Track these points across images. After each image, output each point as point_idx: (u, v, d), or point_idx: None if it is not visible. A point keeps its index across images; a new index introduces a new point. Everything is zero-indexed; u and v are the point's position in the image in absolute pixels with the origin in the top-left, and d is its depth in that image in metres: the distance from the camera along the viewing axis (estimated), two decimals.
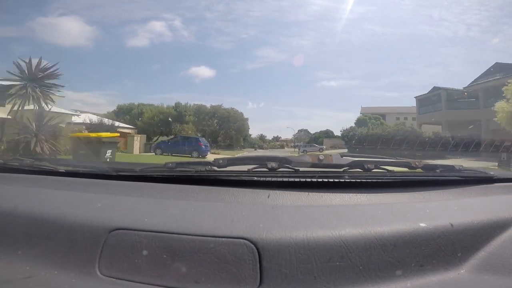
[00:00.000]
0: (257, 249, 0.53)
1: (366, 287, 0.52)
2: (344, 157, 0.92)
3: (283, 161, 0.86)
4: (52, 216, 0.63)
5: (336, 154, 0.92)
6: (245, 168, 0.86)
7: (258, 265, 0.52)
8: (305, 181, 0.81)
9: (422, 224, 0.59)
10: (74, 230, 0.59)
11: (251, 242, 0.54)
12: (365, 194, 0.77)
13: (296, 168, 0.85)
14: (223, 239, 0.55)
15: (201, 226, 0.57)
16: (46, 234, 0.61)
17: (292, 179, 0.81)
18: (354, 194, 0.77)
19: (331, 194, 0.76)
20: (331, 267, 0.53)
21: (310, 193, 0.76)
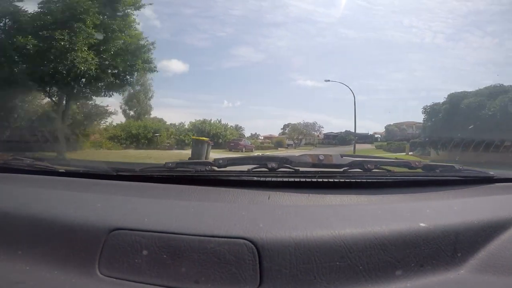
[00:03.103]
0: (257, 249, 0.53)
1: (366, 287, 0.52)
2: (344, 157, 0.92)
3: (283, 161, 0.86)
4: (52, 216, 0.63)
5: (336, 154, 0.92)
6: (245, 168, 0.86)
7: (258, 265, 0.52)
8: (305, 181, 0.81)
9: (422, 224, 0.59)
10: (74, 230, 0.59)
11: (251, 242, 0.54)
12: (365, 194, 0.77)
13: (296, 168, 0.85)
14: (223, 239, 0.55)
15: (201, 226, 0.57)
16: (46, 234, 0.61)
17: (292, 179, 0.81)
18: (354, 194, 0.77)
19: (331, 194, 0.76)
20: (331, 267, 0.52)
21: (310, 193, 0.76)
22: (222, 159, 0.88)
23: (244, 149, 17.41)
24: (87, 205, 0.68)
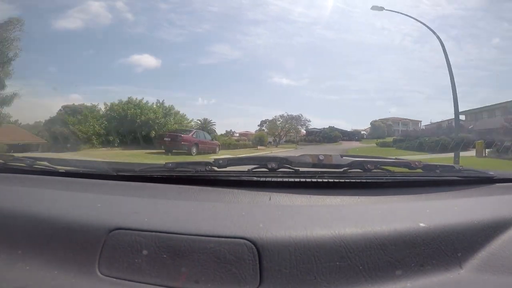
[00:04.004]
0: (257, 249, 0.53)
1: (366, 287, 0.52)
2: (344, 157, 0.92)
3: (283, 161, 0.86)
4: (52, 216, 0.63)
5: (336, 155, 0.92)
6: (245, 168, 0.86)
7: (258, 265, 0.52)
8: (305, 181, 0.81)
9: (422, 224, 0.59)
10: (74, 230, 0.59)
11: (251, 242, 0.54)
12: (365, 194, 0.77)
13: (296, 168, 0.85)
14: (223, 239, 0.55)
15: (201, 226, 0.57)
16: (46, 234, 0.61)
17: (292, 179, 0.82)
18: (354, 194, 0.77)
19: (331, 194, 0.76)
20: (331, 267, 0.52)
21: (310, 193, 0.76)
22: (222, 159, 0.88)
23: (195, 150, 10.59)
24: (87, 205, 0.68)
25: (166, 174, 0.88)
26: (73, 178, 0.91)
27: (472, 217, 0.64)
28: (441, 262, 0.56)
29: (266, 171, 0.85)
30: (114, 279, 0.54)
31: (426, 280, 0.54)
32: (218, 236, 0.55)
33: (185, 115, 16.15)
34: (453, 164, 0.98)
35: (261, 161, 0.89)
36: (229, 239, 0.55)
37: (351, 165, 0.87)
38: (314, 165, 0.88)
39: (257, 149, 18.09)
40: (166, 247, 0.55)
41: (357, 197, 0.76)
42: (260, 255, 0.53)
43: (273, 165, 0.84)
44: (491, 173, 0.96)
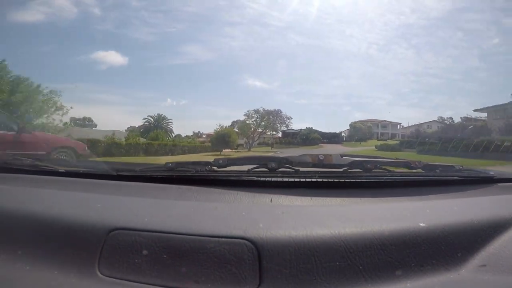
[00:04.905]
0: (257, 249, 0.53)
1: (366, 287, 0.52)
2: (344, 157, 0.92)
3: (283, 161, 0.86)
4: (52, 216, 0.63)
5: (336, 154, 0.93)
6: (245, 168, 0.87)
7: (258, 265, 0.52)
8: (305, 181, 0.81)
9: (422, 224, 0.59)
10: (74, 230, 0.59)
11: (251, 242, 0.54)
12: (365, 194, 0.77)
13: (296, 168, 0.85)
14: (223, 239, 0.55)
15: (201, 226, 0.57)
16: (46, 234, 0.61)
17: (292, 179, 0.82)
18: (354, 194, 0.77)
19: (331, 194, 0.76)
20: (331, 267, 0.52)
21: (310, 193, 0.76)
22: (222, 159, 0.88)
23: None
24: (87, 205, 0.68)
25: (166, 174, 0.88)
26: (73, 178, 0.91)
27: (472, 217, 0.64)
28: (441, 262, 0.56)
29: (266, 171, 0.85)
30: (114, 279, 0.54)
31: (426, 280, 0.54)
32: (218, 236, 0.55)
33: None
34: (453, 164, 0.98)
35: (261, 161, 0.89)
36: (229, 239, 0.55)
37: (351, 165, 0.87)
38: (314, 165, 0.88)
39: (219, 154, 13.40)
40: (166, 247, 0.55)
41: (357, 197, 0.76)
42: (260, 255, 0.53)
43: (273, 165, 0.84)
44: (491, 173, 0.96)
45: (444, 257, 0.57)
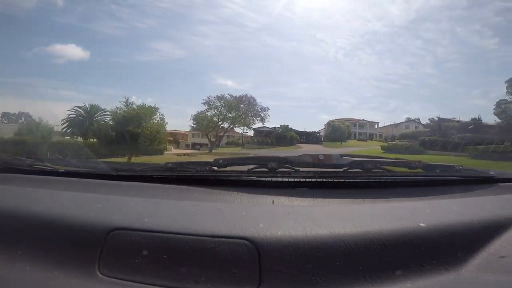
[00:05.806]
0: (257, 249, 0.53)
1: (366, 287, 0.52)
2: (344, 157, 0.92)
3: (283, 161, 0.86)
4: (52, 216, 0.63)
5: (336, 154, 0.92)
6: (245, 168, 0.86)
7: (257, 265, 0.52)
8: (305, 181, 0.81)
9: (422, 224, 0.59)
10: (74, 230, 0.59)
11: (251, 242, 0.54)
12: (365, 194, 0.77)
13: (296, 168, 0.85)
14: (223, 239, 0.55)
15: (201, 226, 0.57)
16: (46, 234, 0.61)
17: (292, 179, 0.81)
18: (354, 194, 0.77)
19: (331, 194, 0.76)
20: (331, 267, 0.52)
21: (310, 193, 0.76)
22: (222, 159, 0.88)
23: None
24: (87, 205, 0.68)
25: (166, 174, 0.88)
26: (73, 178, 0.91)
27: (472, 217, 0.63)
28: (441, 262, 0.56)
29: (266, 171, 0.85)
30: (114, 279, 0.54)
31: (426, 280, 0.54)
32: (218, 236, 0.55)
33: None
34: (453, 164, 0.98)
35: (261, 161, 0.89)
36: (229, 239, 0.55)
37: (351, 165, 0.87)
38: (314, 165, 0.88)
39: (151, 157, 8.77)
40: (166, 247, 0.55)
41: (357, 197, 0.76)
42: (260, 255, 0.53)
43: (273, 165, 0.84)
44: (491, 173, 0.96)
45: (444, 257, 0.57)
